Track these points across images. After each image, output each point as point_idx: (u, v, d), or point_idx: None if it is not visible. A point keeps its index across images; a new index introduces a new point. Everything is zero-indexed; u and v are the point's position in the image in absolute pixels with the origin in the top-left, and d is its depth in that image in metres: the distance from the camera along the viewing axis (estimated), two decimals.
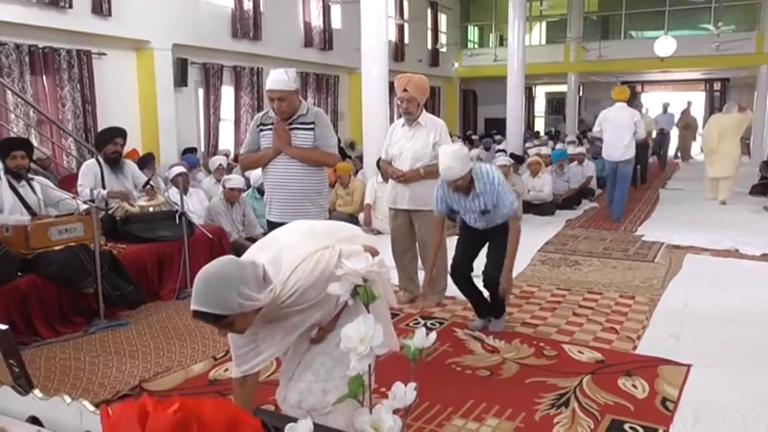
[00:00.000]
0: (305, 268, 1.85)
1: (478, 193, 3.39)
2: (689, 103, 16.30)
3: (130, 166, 5.04)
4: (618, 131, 7.13)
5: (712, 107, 19.66)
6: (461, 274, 3.67)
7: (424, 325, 3.72)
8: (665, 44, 15.55)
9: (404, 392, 0.79)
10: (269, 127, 3.50)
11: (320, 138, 3.47)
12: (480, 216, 3.48)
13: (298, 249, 1.90)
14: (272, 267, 1.82)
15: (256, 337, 1.95)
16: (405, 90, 3.98)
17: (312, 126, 3.46)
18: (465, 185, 3.36)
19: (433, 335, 0.91)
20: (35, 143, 6.82)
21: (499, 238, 3.50)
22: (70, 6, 7.21)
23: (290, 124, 3.45)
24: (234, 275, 1.67)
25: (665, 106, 13.77)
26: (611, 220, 7.53)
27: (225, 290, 1.64)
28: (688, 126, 15.15)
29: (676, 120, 14.76)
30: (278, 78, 3.33)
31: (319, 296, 1.87)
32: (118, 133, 4.84)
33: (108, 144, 4.72)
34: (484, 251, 3.70)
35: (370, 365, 0.77)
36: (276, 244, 1.95)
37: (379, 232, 6.46)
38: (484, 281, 3.59)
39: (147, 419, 0.65)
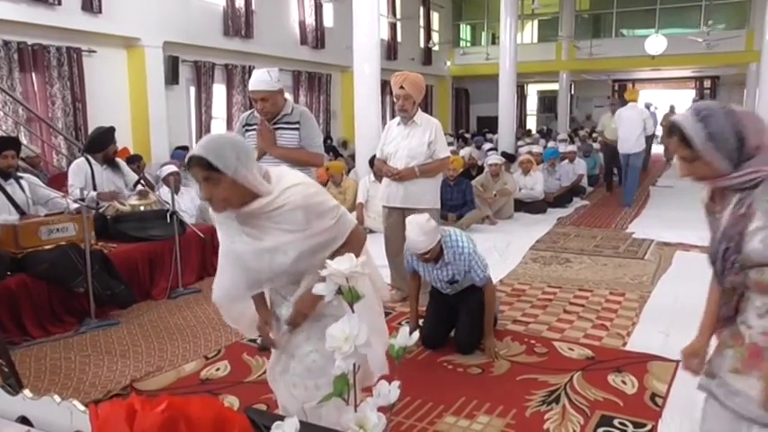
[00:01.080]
0: (305, 189, 1.89)
1: (446, 263, 3.27)
2: (695, 101, 16.34)
3: (123, 164, 5.03)
4: (630, 127, 8.23)
5: None
6: (435, 345, 3.46)
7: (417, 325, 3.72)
8: (655, 42, 15.64)
9: (388, 390, 0.79)
10: (254, 127, 3.48)
11: (306, 137, 3.44)
12: (447, 284, 3.38)
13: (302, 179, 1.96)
14: (275, 177, 1.88)
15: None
16: (401, 87, 3.98)
17: (297, 126, 3.42)
18: (433, 257, 3.22)
19: (416, 334, 0.92)
20: (24, 141, 6.80)
21: (470, 303, 3.36)
22: (59, 3, 7.17)
23: (275, 124, 3.42)
24: (242, 144, 1.82)
25: (647, 106, 12.72)
26: (601, 218, 7.62)
27: (228, 147, 1.75)
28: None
29: (660, 119, 14.36)
30: (260, 79, 3.29)
31: (303, 227, 1.86)
32: (113, 132, 4.83)
33: (110, 144, 4.72)
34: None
35: (355, 364, 0.78)
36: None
37: (371, 231, 6.47)
38: (458, 348, 3.41)
39: (135, 418, 0.65)
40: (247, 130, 3.52)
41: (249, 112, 3.58)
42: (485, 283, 3.29)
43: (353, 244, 1.95)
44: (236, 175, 1.73)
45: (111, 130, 4.86)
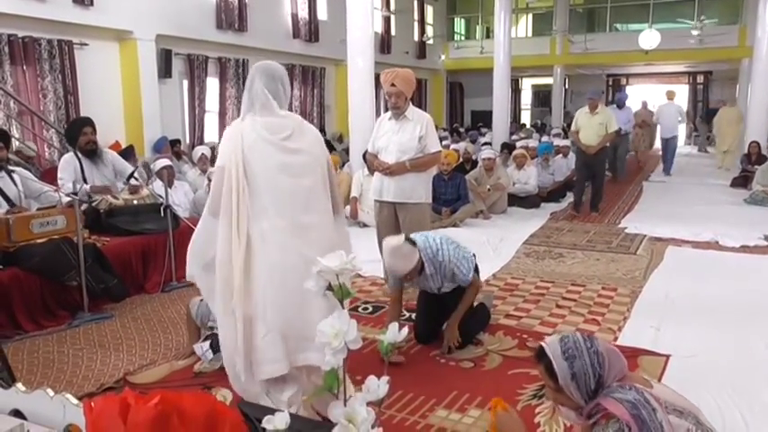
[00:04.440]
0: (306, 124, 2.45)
1: (428, 275, 3.26)
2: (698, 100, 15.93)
3: (110, 155, 4.97)
4: (670, 117, 11.34)
5: (695, 100, 19.93)
6: (428, 340, 3.45)
7: (409, 318, 3.74)
8: (649, 37, 15.69)
9: (377, 386, 0.80)
10: None
11: None
12: (436, 290, 3.37)
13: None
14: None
15: None
16: (392, 85, 3.98)
17: None
18: (414, 275, 3.22)
19: (405, 330, 0.93)
20: (16, 135, 6.76)
21: (460, 299, 3.38)
22: None
23: None
24: (271, 73, 2.39)
25: (621, 100, 10.56)
26: (591, 214, 7.60)
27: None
28: (644, 123, 12.69)
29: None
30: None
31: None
32: (84, 123, 4.77)
33: (79, 136, 4.65)
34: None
35: (344, 360, 0.79)
36: None
37: (365, 225, 6.48)
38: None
39: (128, 412, 0.66)
40: None
41: None
42: (468, 282, 3.31)
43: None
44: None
45: (76, 121, 4.83)
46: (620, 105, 10.17)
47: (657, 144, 14.50)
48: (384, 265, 4.16)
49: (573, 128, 7.65)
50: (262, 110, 2.33)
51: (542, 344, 1.86)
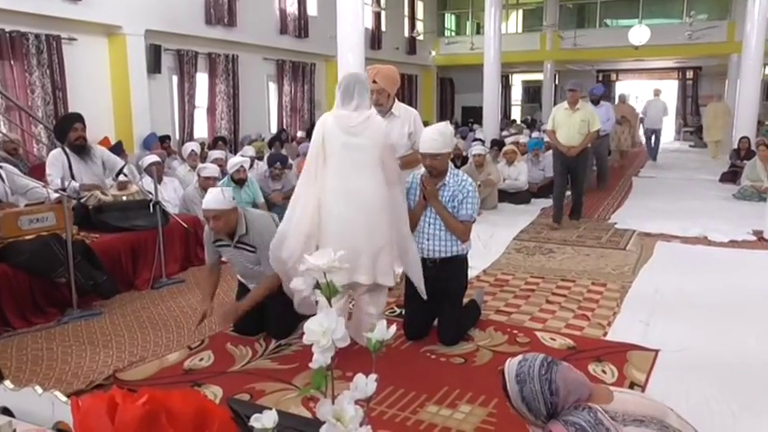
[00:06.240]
0: (374, 118, 3.18)
1: (446, 183, 3.38)
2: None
3: (99, 151, 4.93)
4: (657, 110, 13.04)
5: (685, 95, 20.06)
6: (418, 336, 3.46)
7: (400, 314, 3.75)
8: (639, 33, 15.76)
9: (365, 384, 0.80)
10: (223, 242, 3.46)
11: (263, 258, 3.36)
12: (434, 222, 3.39)
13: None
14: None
15: None
16: (374, 82, 3.95)
17: (254, 250, 3.41)
18: (439, 168, 3.35)
19: (393, 327, 0.93)
20: (4, 130, 6.69)
21: (452, 296, 3.43)
22: None
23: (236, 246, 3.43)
24: (363, 81, 3.21)
25: (595, 94, 9.04)
26: (584, 208, 7.54)
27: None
28: (623, 119, 11.66)
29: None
30: (213, 198, 3.27)
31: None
32: (75, 118, 4.73)
33: (69, 132, 4.61)
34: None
35: (333, 357, 0.79)
36: None
37: None
38: (442, 342, 3.38)
39: (116, 411, 0.66)
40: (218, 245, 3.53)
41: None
42: (468, 219, 3.40)
43: None
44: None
45: (68, 116, 4.79)
46: (595, 101, 8.76)
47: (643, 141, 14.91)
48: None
49: (549, 126, 6.73)
50: (345, 105, 3.10)
51: (504, 365, 1.91)
